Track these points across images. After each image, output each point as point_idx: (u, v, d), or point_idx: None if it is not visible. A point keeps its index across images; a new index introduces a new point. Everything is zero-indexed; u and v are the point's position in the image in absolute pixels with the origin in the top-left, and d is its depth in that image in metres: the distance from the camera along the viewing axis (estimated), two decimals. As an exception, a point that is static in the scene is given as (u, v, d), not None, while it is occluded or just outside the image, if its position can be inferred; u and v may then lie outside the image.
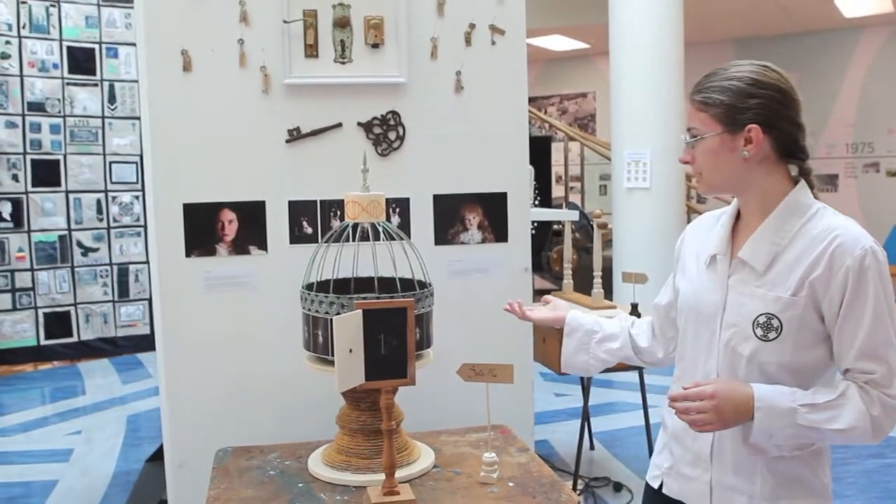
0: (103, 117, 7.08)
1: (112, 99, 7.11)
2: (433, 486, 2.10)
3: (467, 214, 2.78)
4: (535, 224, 6.26)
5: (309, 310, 2.13)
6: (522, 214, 2.84)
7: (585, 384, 3.79)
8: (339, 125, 2.68)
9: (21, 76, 6.78)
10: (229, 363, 2.65)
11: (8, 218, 6.75)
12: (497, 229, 2.81)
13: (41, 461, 4.44)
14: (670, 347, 1.88)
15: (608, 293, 4.71)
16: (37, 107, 6.83)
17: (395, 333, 1.91)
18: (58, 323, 6.96)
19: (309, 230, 2.67)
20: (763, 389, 1.49)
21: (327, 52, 2.64)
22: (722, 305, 1.60)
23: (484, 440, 2.42)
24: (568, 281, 4.05)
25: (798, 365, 1.53)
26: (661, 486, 1.76)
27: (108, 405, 5.61)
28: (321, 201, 2.67)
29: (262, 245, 2.66)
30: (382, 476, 1.95)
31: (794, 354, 1.52)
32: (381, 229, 2.19)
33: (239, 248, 2.64)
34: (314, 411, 2.52)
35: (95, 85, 7.06)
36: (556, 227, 8.38)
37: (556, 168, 11.22)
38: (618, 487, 3.86)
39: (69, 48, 6.96)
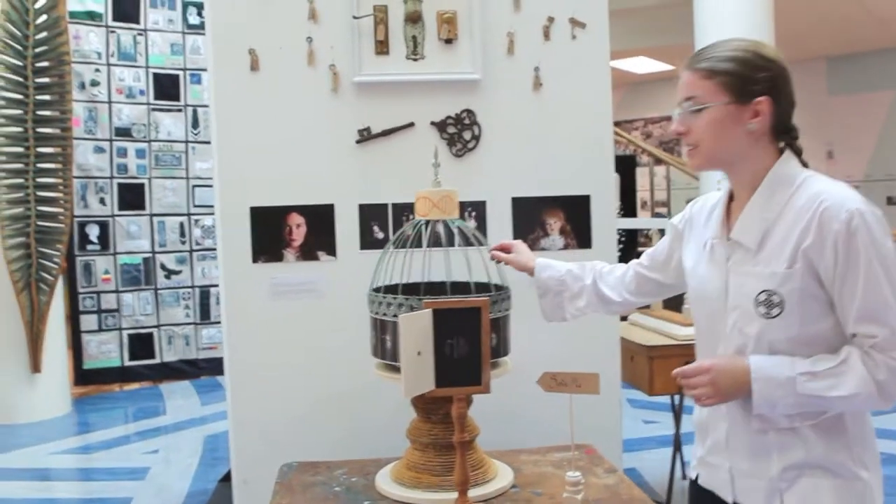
0: (187, 142, 7.18)
1: (195, 124, 7.22)
2: (510, 507, 1.92)
3: (548, 219, 2.61)
4: (622, 238, 6.02)
5: (376, 313, 1.98)
6: (607, 219, 2.65)
7: (677, 410, 3.53)
8: (412, 125, 2.55)
9: (109, 102, 6.94)
10: (296, 374, 2.53)
11: (95, 240, 6.88)
12: (580, 235, 2.62)
13: (118, 479, 4.42)
14: (641, 300, 1.97)
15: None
16: (124, 132, 6.97)
17: (468, 336, 1.74)
18: (141, 344, 7.03)
19: (380, 235, 2.54)
20: (760, 361, 1.47)
21: (398, 48, 2.53)
22: (724, 290, 1.57)
23: (567, 460, 2.22)
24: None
25: (808, 338, 1.48)
26: (698, 477, 1.72)
27: (186, 426, 5.59)
28: (393, 205, 2.54)
29: (331, 250, 2.54)
30: (454, 494, 1.78)
31: (801, 328, 1.47)
32: (454, 228, 2.03)
33: (307, 253, 2.53)
34: (385, 426, 2.36)
35: (179, 110, 7.18)
36: (642, 240, 8.05)
37: (642, 193, 10.93)
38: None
39: (155, 75, 7.10)
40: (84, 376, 6.80)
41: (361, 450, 2.38)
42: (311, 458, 2.29)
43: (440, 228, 2.10)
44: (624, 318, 3.83)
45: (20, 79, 5.58)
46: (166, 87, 7.16)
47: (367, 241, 2.54)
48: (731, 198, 1.62)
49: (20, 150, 5.64)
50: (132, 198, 7.01)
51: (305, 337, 2.53)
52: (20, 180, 5.66)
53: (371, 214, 2.54)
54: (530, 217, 2.59)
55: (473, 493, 1.88)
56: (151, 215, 7.07)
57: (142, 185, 7.04)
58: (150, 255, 7.07)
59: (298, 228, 2.52)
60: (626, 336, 3.43)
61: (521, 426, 2.50)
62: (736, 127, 1.51)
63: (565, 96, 2.60)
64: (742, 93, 1.49)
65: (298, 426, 2.53)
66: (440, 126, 2.56)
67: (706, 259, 1.63)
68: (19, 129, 5.63)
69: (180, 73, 7.17)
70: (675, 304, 3.90)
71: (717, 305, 1.58)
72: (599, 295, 1.97)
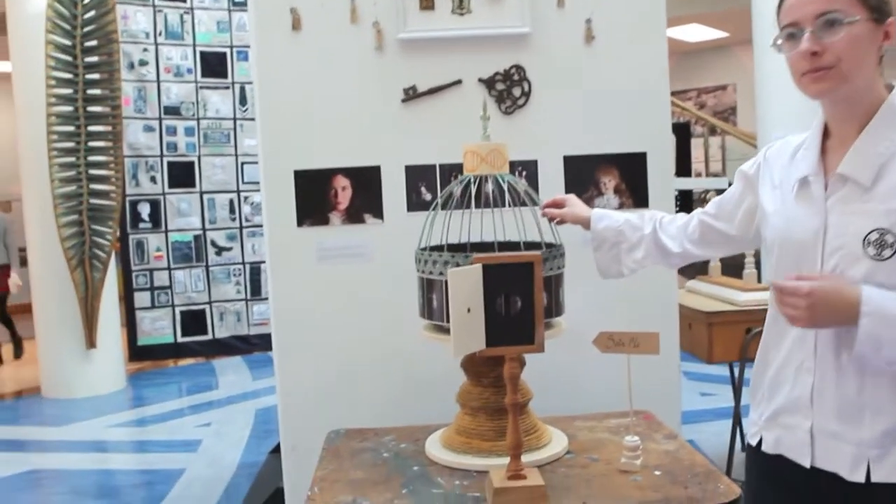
0: (235, 119, 7.20)
1: (243, 101, 7.22)
2: (566, 472, 1.83)
3: (602, 177, 2.50)
4: (678, 201, 5.84)
5: (423, 272, 1.91)
6: (664, 177, 2.53)
7: (737, 383, 3.40)
8: (459, 82, 2.46)
9: (158, 82, 6.98)
10: (343, 339, 2.47)
11: (147, 219, 6.95)
12: (636, 193, 2.51)
13: (172, 450, 4.46)
14: (703, 252, 1.84)
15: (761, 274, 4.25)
16: (172, 111, 7.01)
17: (520, 294, 1.66)
18: (193, 321, 7.10)
19: (427, 196, 2.46)
20: (874, 293, 1.32)
21: (444, 3, 2.43)
22: (822, 230, 1.42)
23: (624, 426, 2.13)
24: (715, 263, 3.68)
25: None
26: (760, 442, 1.55)
27: (238, 399, 5.64)
28: (440, 165, 2.46)
29: (378, 213, 2.47)
30: (506, 460, 1.70)
31: None
32: (504, 185, 1.95)
33: (353, 216, 2.46)
34: (436, 391, 2.29)
35: (227, 88, 7.19)
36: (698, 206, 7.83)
37: (696, 165, 10.67)
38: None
39: (202, 53, 7.12)
40: (138, 352, 6.91)
41: (411, 416, 2.32)
42: (359, 425, 2.23)
43: (489, 188, 2.01)
44: (683, 286, 3.70)
45: (69, 58, 5.62)
46: (213, 65, 7.17)
47: (415, 203, 2.46)
48: (825, 134, 1.48)
49: (71, 129, 5.69)
50: (182, 175, 7.05)
51: (353, 301, 2.47)
52: (72, 159, 5.71)
53: (418, 175, 2.46)
54: (583, 176, 2.49)
55: (526, 458, 1.80)
56: (201, 193, 7.11)
57: (191, 163, 7.08)
58: (200, 232, 7.11)
59: (344, 191, 2.45)
60: (684, 303, 3.30)
61: (576, 392, 2.41)
62: (871, 47, 1.37)
63: (619, 48, 2.48)
64: (881, 10, 1.36)
65: (347, 392, 2.47)
66: (488, 83, 2.46)
67: (795, 198, 1.48)
68: (70, 109, 5.68)
69: (227, 50, 7.17)
70: (734, 270, 3.76)
71: (810, 248, 1.43)
72: (659, 245, 1.85)
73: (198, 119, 7.09)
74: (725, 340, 3.21)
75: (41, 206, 5.74)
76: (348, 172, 2.45)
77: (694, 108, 12.07)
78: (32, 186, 5.88)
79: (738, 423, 3.51)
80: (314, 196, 2.44)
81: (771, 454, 1.52)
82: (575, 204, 2.00)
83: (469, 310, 1.61)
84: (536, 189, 2.44)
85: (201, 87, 7.12)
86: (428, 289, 1.90)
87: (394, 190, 2.47)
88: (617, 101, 2.49)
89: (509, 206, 1.94)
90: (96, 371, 5.98)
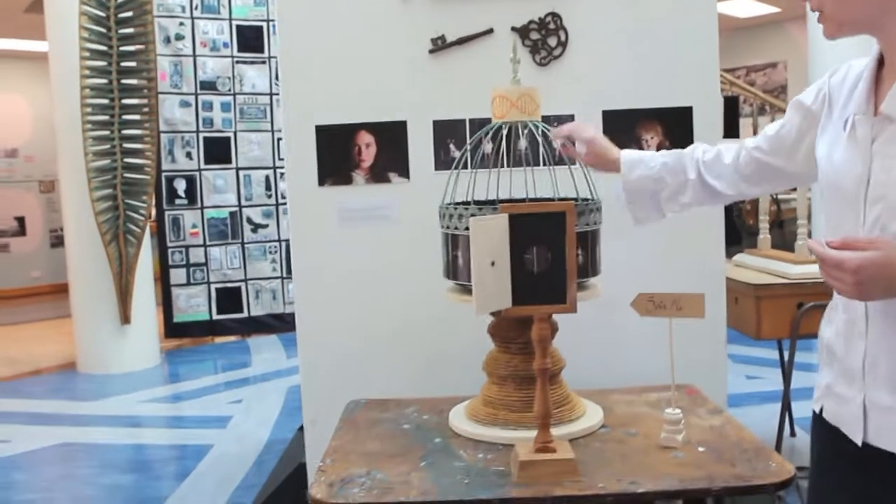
0: (271, 94, 7.08)
1: (279, 76, 7.10)
2: (600, 447, 1.68)
3: (644, 134, 2.32)
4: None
5: (447, 227, 1.76)
6: (712, 133, 2.33)
7: (787, 366, 3.19)
8: (490, 31, 2.30)
9: (194, 56, 6.89)
10: (367, 307, 2.34)
11: (183, 195, 6.88)
12: (680, 152, 2.32)
13: (201, 426, 4.39)
14: (758, 189, 1.66)
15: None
16: (208, 85, 6.91)
17: (550, 247, 1.50)
18: (229, 298, 7.03)
19: (456, 154, 2.30)
20: None
21: (475, -55, 2.27)
22: (865, 177, 1.24)
23: (666, 400, 1.96)
24: (765, 236, 3.46)
25: None
26: (822, 409, 1.40)
27: (271, 377, 5.60)
28: (470, 120, 2.30)
29: (404, 172, 2.32)
30: (535, 432, 1.55)
31: None
32: (538, 132, 1.78)
33: (377, 175, 2.32)
34: (463, 361, 2.14)
35: (263, 62, 7.07)
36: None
37: (743, 144, 10.32)
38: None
39: (238, 27, 7.01)
40: (174, 330, 6.86)
41: (438, 387, 2.18)
42: (381, 396, 2.10)
43: (522, 144, 1.85)
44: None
45: (103, 30, 5.57)
46: (250, 40, 7.06)
47: (443, 161, 2.31)
48: (881, 63, 1.29)
49: (105, 101, 5.64)
50: (218, 151, 6.96)
51: (377, 266, 2.33)
52: (106, 132, 5.67)
53: (447, 131, 2.31)
54: (624, 132, 2.30)
55: (557, 431, 1.65)
56: (237, 169, 7.02)
57: (227, 139, 6.98)
58: (236, 208, 7.03)
59: (368, 148, 2.31)
60: (730, 276, 3.10)
61: (612, 365, 2.25)
62: None
63: (664, -5, 2.30)
64: None
65: (370, 362, 2.34)
66: (522, 32, 2.30)
67: (844, 141, 1.30)
68: (104, 81, 5.63)
69: (263, 24, 7.05)
70: (785, 243, 3.55)
71: (853, 197, 1.26)
72: (707, 188, 1.65)
73: (234, 94, 6.99)
74: (775, 316, 3.00)
75: (77, 181, 5.71)
76: (372, 128, 2.31)
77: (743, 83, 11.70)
78: (68, 161, 5.85)
79: (787, 406, 3.31)
80: (336, 153, 2.31)
81: (832, 424, 1.35)
82: (600, 145, 1.77)
83: (493, 263, 1.45)
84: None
85: (237, 62, 7.01)
86: (452, 245, 1.75)
87: (421, 147, 2.32)
88: (660, 52, 2.31)
89: (543, 159, 1.78)
90: (131, 347, 5.96)
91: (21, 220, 10.48)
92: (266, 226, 7.13)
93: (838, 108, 1.36)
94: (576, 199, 1.81)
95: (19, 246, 10.35)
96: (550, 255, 1.50)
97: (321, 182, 2.32)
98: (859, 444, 1.27)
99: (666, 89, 2.31)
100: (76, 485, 3.51)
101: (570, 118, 2.29)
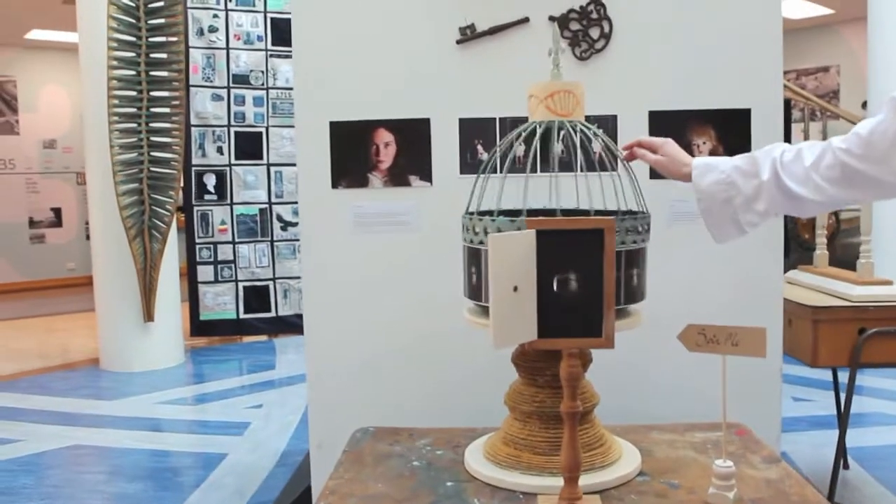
0: (305, 89, 6.93)
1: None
2: (636, 500, 1.44)
3: (695, 138, 2.07)
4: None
5: (471, 241, 1.54)
6: (773, 139, 2.06)
7: (846, 403, 2.90)
8: (526, 20, 2.07)
9: (227, 49, 6.74)
10: (381, 322, 2.13)
11: (212, 190, 6.74)
12: (736, 159, 2.07)
13: (217, 433, 4.22)
14: (844, 196, 1.41)
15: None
16: (241, 79, 6.76)
17: (585, 270, 1.27)
18: (257, 297, 6.88)
19: (485, 156, 2.08)
20: None
21: (511, -75, 2.04)
22: None
23: (713, 442, 1.72)
24: (822, 252, 3.19)
25: None
26: None
27: (295, 380, 5.42)
28: (501, 119, 2.08)
29: (426, 175, 2.11)
30: (561, 480, 1.32)
31: None
32: (588, 133, 1.55)
33: (397, 178, 2.11)
34: (484, 387, 1.92)
35: (298, 57, 6.92)
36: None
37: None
38: (885, 520, 2.97)
39: (273, 20, 6.85)
40: (200, 328, 6.72)
41: (455, 415, 1.96)
42: (394, 420, 1.88)
43: (558, 149, 1.63)
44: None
45: (132, 20, 5.43)
46: (285, 33, 6.88)
47: (469, 164, 2.09)
48: None
49: (133, 93, 5.51)
50: (249, 147, 6.81)
51: (393, 278, 2.12)
52: (133, 125, 5.53)
53: (474, 131, 2.09)
54: (672, 135, 2.04)
55: (587, 480, 1.42)
56: (268, 165, 6.86)
57: (259, 134, 6.83)
58: (266, 205, 6.88)
59: (387, 148, 2.10)
60: (784, 295, 2.83)
61: (652, 395, 2.01)
62: None
63: (721, -18, 2.05)
64: None
65: (383, 383, 2.13)
66: (561, 21, 2.07)
67: None
68: (132, 73, 5.50)
69: (299, 17, 6.91)
70: (837, 260, 3.27)
71: None
72: (785, 191, 1.44)
73: (266, 89, 6.84)
74: (834, 341, 2.73)
75: (103, 175, 5.60)
76: (392, 126, 2.10)
77: (795, 87, 11.30)
78: (95, 154, 5.74)
79: (842, 441, 3.03)
80: (352, 152, 2.10)
81: None
82: (671, 152, 1.59)
83: (516, 289, 1.23)
84: (613, 155, 2.03)
85: (271, 56, 6.86)
86: (471, 260, 1.53)
87: (445, 148, 2.11)
88: (716, 46, 2.06)
89: (582, 165, 1.55)
90: (154, 345, 5.83)
91: (58, 212, 10.50)
92: (296, 224, 6.96)
93: None
94: (618, 213, 1.57)
95: (55, 237, 10.37)
96: (584, 280, 1.27)
97: (335, 184, 2.11)
98: None
99: (721, 89, 2.07)
100: (79, 492, 3.34)
101: (613, 119, 2.06)
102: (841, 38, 11.12)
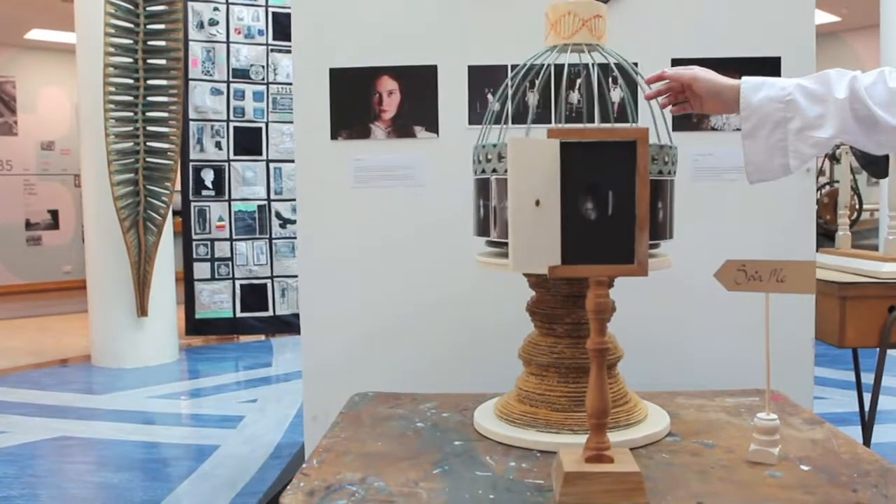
0: (306, 85, 6.80)
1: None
2: (668, 460, 1.28)
3: (722, 87, 1.92)
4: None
5: (483, 171, 1.39)
6: (805, 89, 1.93)
7: (875, 381, 2.74)
8: (541, -40, 1.93)
9: (227, 43, 6.62)
10: (383, 285, 1.98)
11: (210, 186, 6.60)
12: (766, 111, 1.92)
13: (210, 426, 4.05)
14: None
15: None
16: (241, 74, 6.64)
17: (615, 187, 1.12)
18: (254, 295, 6.72)
19: (496, 106, 1.93)
20: None
21: None
22: None
23: (746, 406, 1.57)
24: (845, 233, 3.03)
25: None
26: None
27: (291, 377, 5.27)
28: (512, 66, 1.93)
29: (432, 125, 1.96)
30: (583, 438, 1.16)
31: None
32: (593, 66, 1.41)
33: (401, 128, 1.96)
34: (496, 351, 1.77)
35: (299, 51, 6.80)
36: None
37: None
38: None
39: (274, 14, 6.74)
40: (196, 326, 6.56)
41: (462, 383, 1.80)
42: (395, 390, 1.73)
43: (574, 98, 1.49)
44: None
45: (130, 6, 5.30)
46: (286, 27, 6.77)
47: (479, 114, 1.94)
48: None
49: (130, 81, 5.38)
50: (248, 142, 6.67)
51: (397, 234, 1.98)
52: (129, 113, 5.40)
53: (484, 78, 1.94)
54: (698, 84, 1.92)
55: (613, 437, 1.26)
56: (268, 161, 6.72)
57: (258, 130, 6.70)
58: (265, 202, 6.73)
59: (390, 96, 1.96)
60: (809, 274, 2.68)
61: (675, 362, 1.86)
62: None
63: (751, -78, 1.91)
64: None
65: (383, 351, 1.98)
66: (578, -38, 1.92)
67: None
68: (129, 60, 5.37)
69: (300, 12, 6.79)
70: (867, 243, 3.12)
71: None
72: (862, 117, 1.24)
73: (267, 84, 6.71)
74: (862, 320, 2.58)
75: (98, 166, 5.46)
76: (396, 73, 1.95)
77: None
78: (90, 144, 5.60)
79: (871, 424, 2.88)
80: (353, 101, 1.96)
81: None
82: (702, 86, 1.43)
83: (538, 203, 1.08)
84: (635, 99, 1.88)
85: (272, 50, 6.74)
86: (482, 193, 1.38)
87: (453, 96, 1.96)
88: (746, -10, 1.92)
89: (599, 111, 1.41)
90: (147, 341, 5.67)
91: (55, 214, 10.36)
92: (295, 221, 6.81)
93: None
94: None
95: (52, 240, 10.23)
96: (615, 199, 1.12)
97: (334, 135, 1.96)
98: None
99: (749, 35, 1.93)
100: (63, 482, 3.18)
101: (634, 68, 1.91)
102: (847, 45, 11.01)
